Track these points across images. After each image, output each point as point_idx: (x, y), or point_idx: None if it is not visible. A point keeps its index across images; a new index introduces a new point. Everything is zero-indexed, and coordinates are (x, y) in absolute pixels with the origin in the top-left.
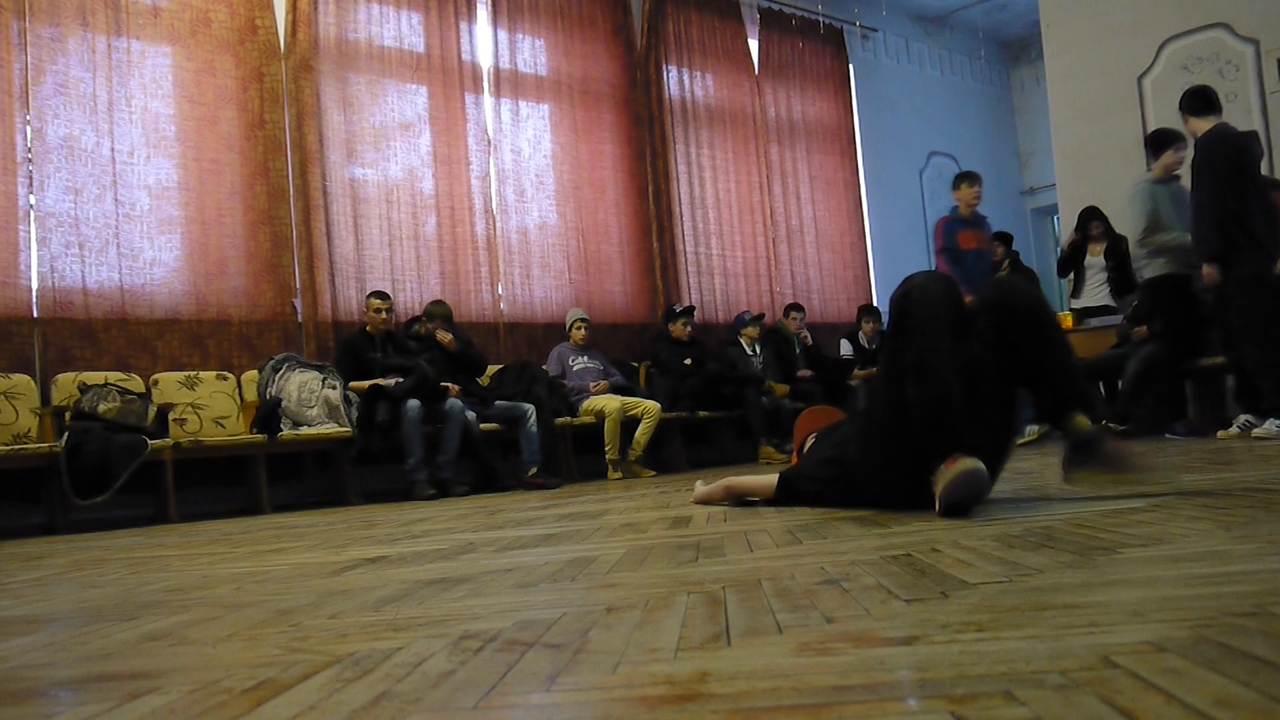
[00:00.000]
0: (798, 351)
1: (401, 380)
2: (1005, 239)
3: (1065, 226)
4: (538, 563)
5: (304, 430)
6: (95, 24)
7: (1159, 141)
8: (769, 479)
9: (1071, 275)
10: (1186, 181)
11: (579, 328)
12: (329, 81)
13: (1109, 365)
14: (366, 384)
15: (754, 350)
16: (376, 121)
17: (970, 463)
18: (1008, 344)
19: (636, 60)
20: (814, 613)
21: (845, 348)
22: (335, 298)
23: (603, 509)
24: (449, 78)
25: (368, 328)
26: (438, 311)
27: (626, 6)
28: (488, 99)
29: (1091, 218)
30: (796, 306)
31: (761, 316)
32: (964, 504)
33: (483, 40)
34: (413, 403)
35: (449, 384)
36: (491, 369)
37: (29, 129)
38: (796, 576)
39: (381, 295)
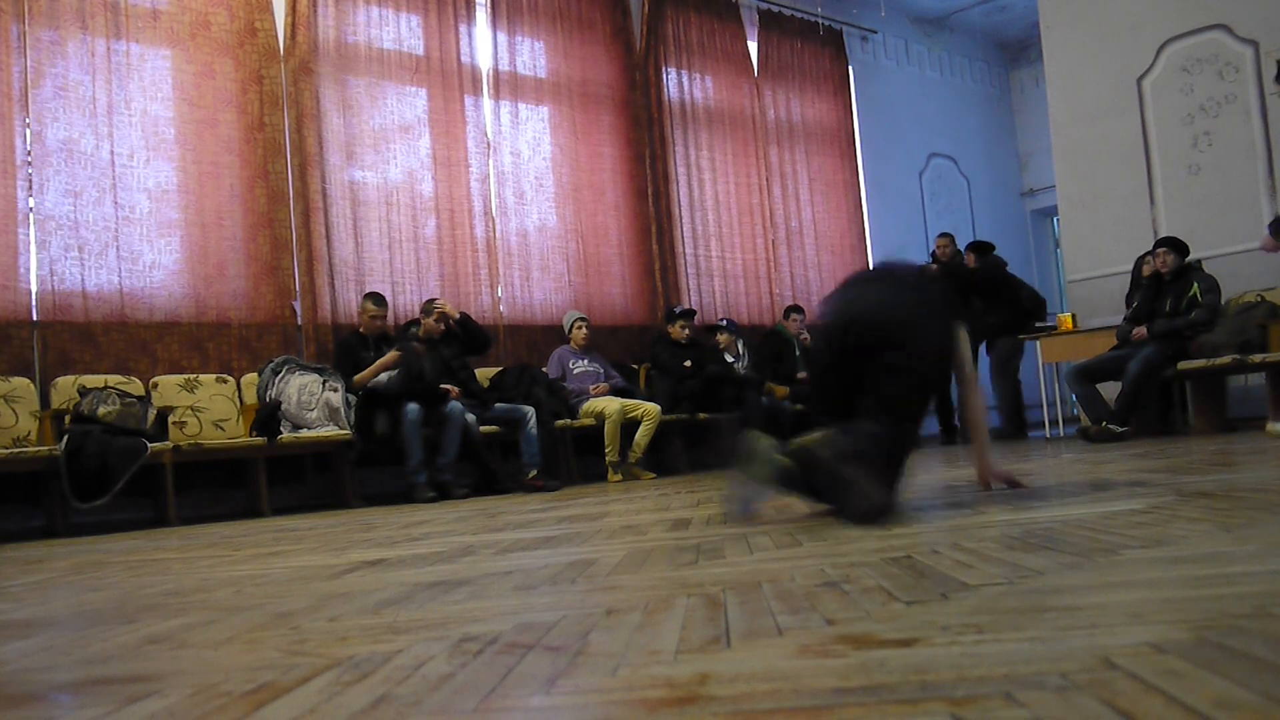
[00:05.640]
0: (797, 354)
1: (394, 372)
2: (980, 248)
3: (1065, 228)
4: (538, 565)
5: (304, 433)
6: (95, 27)
7: None
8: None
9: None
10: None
11: (579, 327)
12: (328, 84)
13: (1109, 366)
14: (368, 372)
15: (738, 355)
16: (376, 124)
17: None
18: None
19: (636, 62)
20: (814, 615)
21: None
22: (335, 300)
23: (603, 511)
24: (448, 80)
25: (361, 329)
26: (433, 306)
27: (626, 8)
28: (487, 101)
29: None
30: (796, 308)
31: (733, 325)
32: None
33: (482, 42)
34: (412, 405)
35: (449, 386)
36: (491, 371)
37: (28, 132)
38: (797, 578)
39: (377, 301)
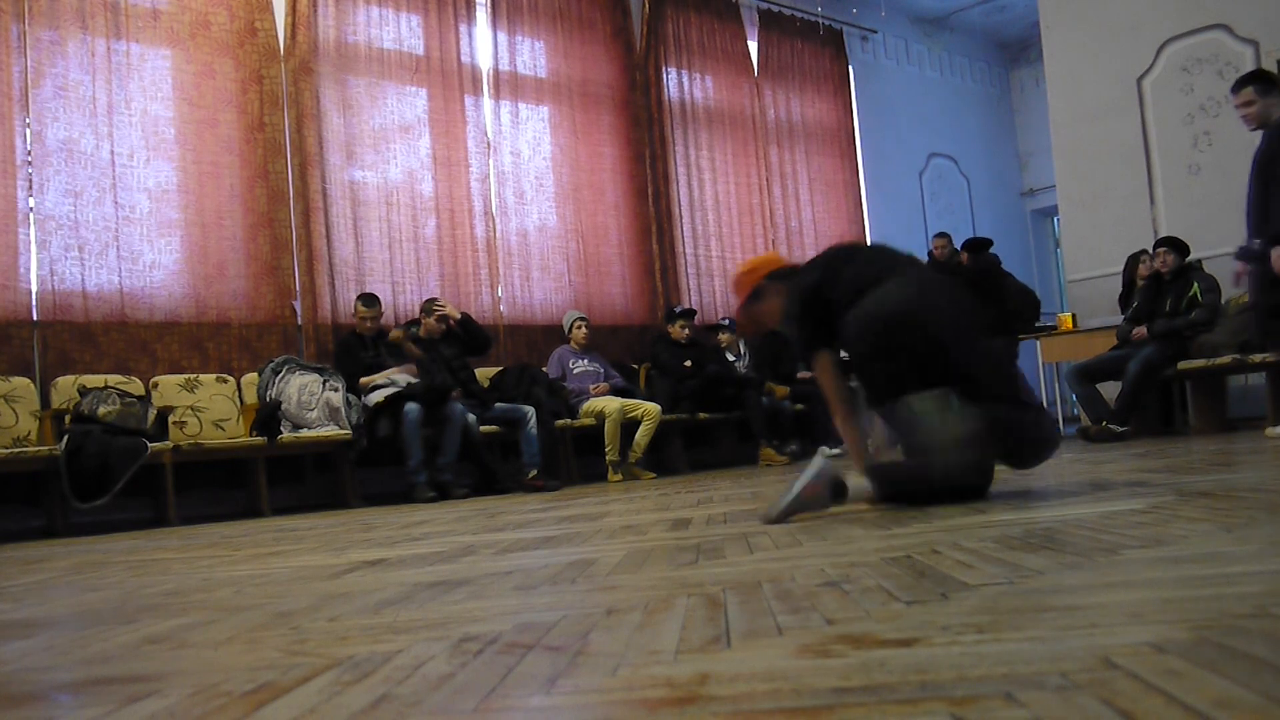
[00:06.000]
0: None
1: (413, 381)
2: (974, 246)
3: (1065, 227)
4: (538, 565)
5: (304, 433)
6: (95, 27)
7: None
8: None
9: None
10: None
11: (579, 327)
12: (328, 84)
13: (1109, 366)
14: (378, 378)
15: (739, 354)
16: (376, 124)
17: None
18: None
19: (636, 62)
20: (814, 615)
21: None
22: (335, 300)
23: (603, 511)
24: (448, 80)
25: (357, 329)
26: (434, 306)
27: (626, 8)
28: (487, 101)
29: None
30: None
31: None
32: None
33: (482, 42)
34: (412, 405)
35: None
36: (491, 371)
37: (29, 132)
38: (797, 578)
39: (368, 302)
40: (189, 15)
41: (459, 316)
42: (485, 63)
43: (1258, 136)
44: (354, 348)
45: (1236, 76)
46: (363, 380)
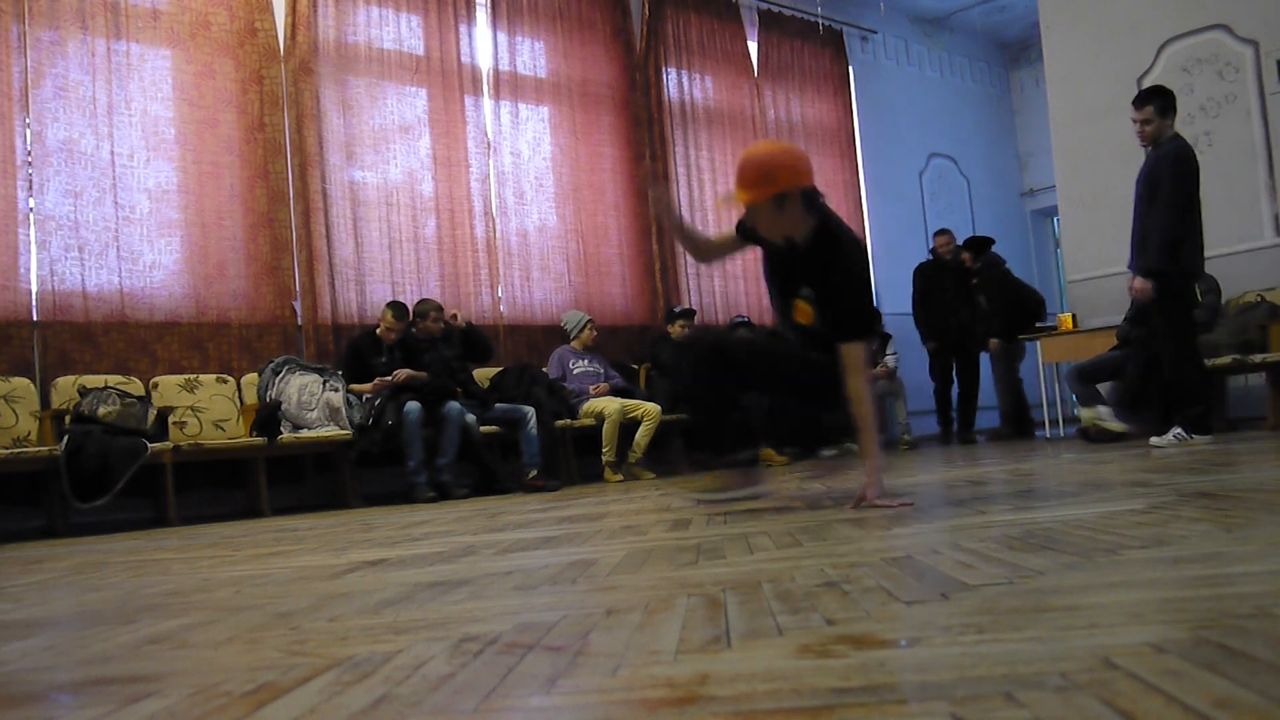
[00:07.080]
0: None
1: (421, 377)
2: (976, 246)
3: (1065, 228)
4: (538, 565)
5: (304, 433)
6: (95, 27)
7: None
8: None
9: None
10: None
11: (591, 328)
12: (329, 84)
13: (1109, 366)
14: (366, 388)
15: None
16: (376, 124)
17: None
18: None
19: (636, 62)
20: (814, 615)
21: None
22: (335, 300)
23: (603, 511)
24: (448, 80)
25: (378, 331)
26: (430, 306)
27: (626, 9)
28: (487, 101)
29: None
30: None
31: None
32: None
33: (482, 43)
34: (412, 404)
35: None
36: (491, 371)
37: (29, 132)
38: (797, 578)
39: (399, 314)
40: (189, 15)
41: (463, 326)
42: (485, 63)
43: (1256, 139)
44: (366, 352)
45: (1236, 76)
46: (354, 387)
